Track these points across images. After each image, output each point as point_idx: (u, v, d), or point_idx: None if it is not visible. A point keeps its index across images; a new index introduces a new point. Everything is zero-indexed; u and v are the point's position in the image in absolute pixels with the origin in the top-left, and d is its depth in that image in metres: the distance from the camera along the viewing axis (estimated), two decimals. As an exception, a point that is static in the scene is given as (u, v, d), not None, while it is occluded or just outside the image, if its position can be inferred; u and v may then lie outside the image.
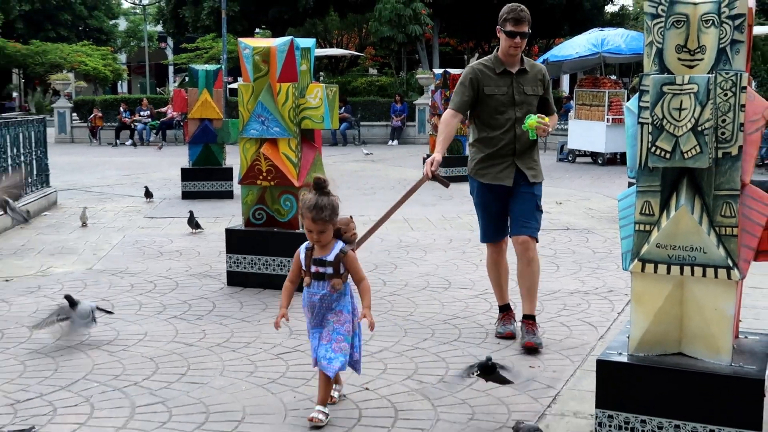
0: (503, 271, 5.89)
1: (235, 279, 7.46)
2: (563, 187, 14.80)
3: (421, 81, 27.70)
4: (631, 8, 41.55)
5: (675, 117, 3.45)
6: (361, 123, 28.46)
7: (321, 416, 4.11)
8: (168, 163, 19.61)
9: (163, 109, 28.49)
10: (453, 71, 16.29)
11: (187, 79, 16.72)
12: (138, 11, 52.48)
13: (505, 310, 5.89)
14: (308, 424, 4.11)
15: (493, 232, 5.79)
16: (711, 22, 3.42)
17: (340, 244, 4.20)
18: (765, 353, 3.76)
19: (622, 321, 5.90)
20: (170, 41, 52.06)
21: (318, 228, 4.06)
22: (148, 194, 13.44)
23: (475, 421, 4.28)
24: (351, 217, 4.42)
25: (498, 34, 5.54)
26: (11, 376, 5.06)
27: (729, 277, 3.49)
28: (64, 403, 4.59)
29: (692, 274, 3.54)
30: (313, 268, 4.20)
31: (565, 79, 39.02)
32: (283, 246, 7.02)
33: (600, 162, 19.31)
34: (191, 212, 10.34)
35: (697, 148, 3.42)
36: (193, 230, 10.18)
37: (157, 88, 44.23)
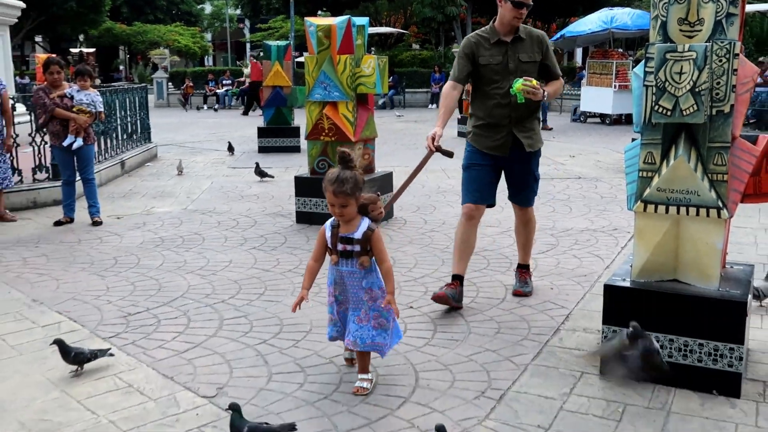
0: (469, 244, 4.89)
1: (303, 218, 7.53)
2: (576, 143, 14.56)
3: (456, 54, 27.31)
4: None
5: (676, 80, 3.37)
6: (406, 90, 28.28)
7: (366, 384, 3.56)
8: (246, 123, 19.69)
9: (241, 79, 28.54)
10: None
11: (262, 53, 16.67)
12: (221, -3, 52.42)
13: (456, 279, 4.81)
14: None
15: (476, 194, 4.83)
16: (709, -3, 3.32)
17: (366, 222, 3.50)
18: (747, 280, 3.72)
19: (624, 254, 5.84)
20: (247, 22, 51.95)
21: (339, 201, 3.38)
22: (231, 149, 13.55)
23: (501, 334, 4.30)
24: (378, 194, 3.69)
25: (499, 4, 4.66)
26: (123, 293, 5.18)
27: (719, 216, 3.43)
28: (166, 315, 4.70)
29: (687, 213, 3.49)
30: (340, 246, 3.50)
31: (579, 52, 38.07)
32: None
33: (607, 122, 19.00)
34: (257, 163, 10.41)
35: (695, 106, 3.34)
36: (260, 178, 10.24)
37: (237, 62, 44.18)
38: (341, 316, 3.64)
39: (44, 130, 7.95)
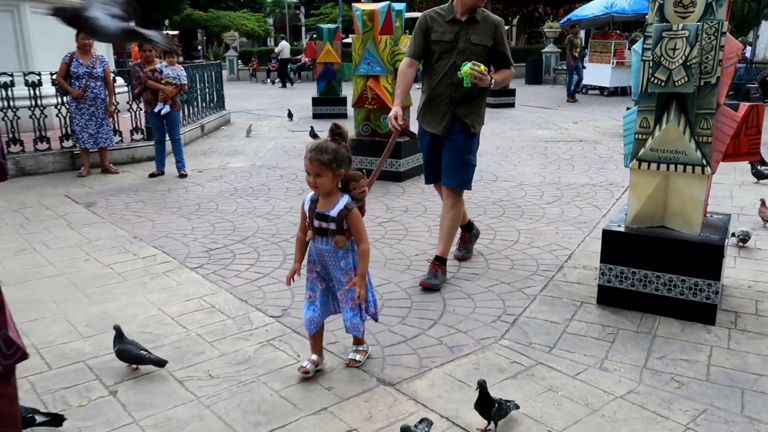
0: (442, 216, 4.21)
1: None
2: (578, 112, 14.21)
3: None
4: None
5: (670, 55, 3.25)
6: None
7: (358, 356, 3.04)
8: (301, 94, 19.59)
9: (298, 57, 28.28)
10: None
11: (315, 35, 16.46)
12: (280, -12, 51.72)
13: (439, 261, 4.06)
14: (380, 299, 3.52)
15: (429, 175, 4.29)
16: (702, -17, 3.17)
17: (345, 199, 2.77)
18: (725, 227, 3.63)
19: (619, 205, 5.73)
20: (303, 9, 51.29)
21: (314, 170, 2.69)
22: (290, 115, 13.50)
23: (514, 270, 4.28)
24: (364, 172, 2.96)
25: None
26: (206, 233, 5.25)
27: (703, 172, 3.34)
28: (240, 251, 4.76)
29: (675, 170, 3.40)
30: (316, 223, 2.80)
31: (582, 33, 36.92)
32: (380, 149, 6.98)
33: (605, 94, 18.44)
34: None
35: (686, 78, 3.22)
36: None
37: (294, 42, 43.83)
38: (321, 295, 2.92)
39: (139, 98, 8.00)
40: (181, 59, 8.69)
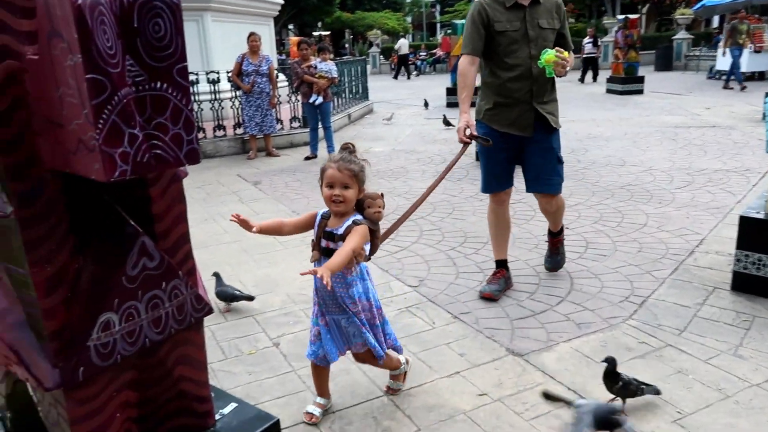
0: (503, 226, 3.53)
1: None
2: (711, 97, 12.90)
3: (606, 25, 24.89)
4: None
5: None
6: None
7: (395, 384, 2.51)
8: (436, 85, 19.46)
9: (434, 50, 28.12)
10: (631, 16, 14.47)
11: (450, 30, 16.26)
12: (418, -12, 51.59)
13: (500, 266, 3.51)
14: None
15: (496, 182, 3.40)
16: None
17: (355, 216, 2.18)
18: None
19: (756, 191, 5.13)
20: (438, 6, 50.86)
21: (343, 180, 2.13)
22: (426, 104, 13.47)
23: (642, 252, 3.97)
24: (382, 194, 2.26)
25: None
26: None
27: None
28: (382, 226, 4.82)
29: (827, 156, 2.96)
30: (323, 242, 2.21)
31: (715, 18, 33.37)
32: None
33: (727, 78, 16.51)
34: (444, 115, 10.21)
35: None
36: (446, 127, 10.08)
37: (429, 38, 43.60)
38: (324, 332, 2.29)
39: (297, 91, 8.34)
40: (332, 56, 8.93)
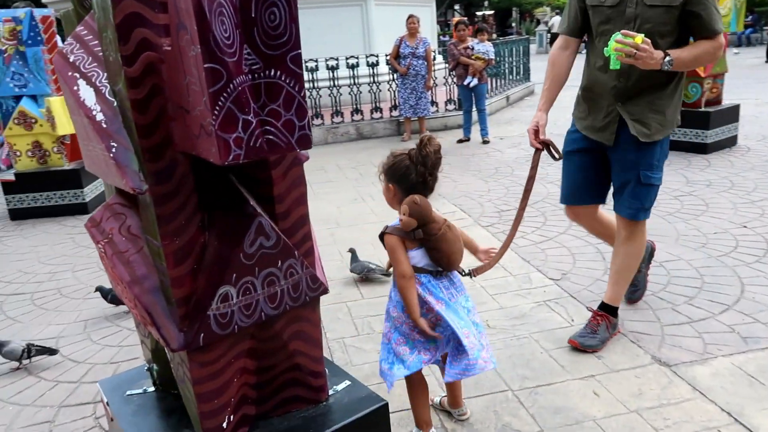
0: (605, 235, 2.90)
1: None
2: None
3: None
4: None
5: None
6: (763, 28, 23.11)
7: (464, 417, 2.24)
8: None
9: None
10: None
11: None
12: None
13: (604, 310, 2.75)
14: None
15: (569, 192, 2.75)
16: None
17: (394, 222, 1.97)
18: None
19: None
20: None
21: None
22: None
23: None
24: (415, 201, 1.89)
25: None
26: (499, 195, 5.23)
27: None
28: (529, 214, 4.61)
29: None
30: None
31: None
32: (689, 119, 6.08)
33: None
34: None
35: None
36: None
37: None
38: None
39: (452, 72, 8.29)
40: (493, 36, 8.72)
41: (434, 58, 8.67)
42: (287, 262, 1.42)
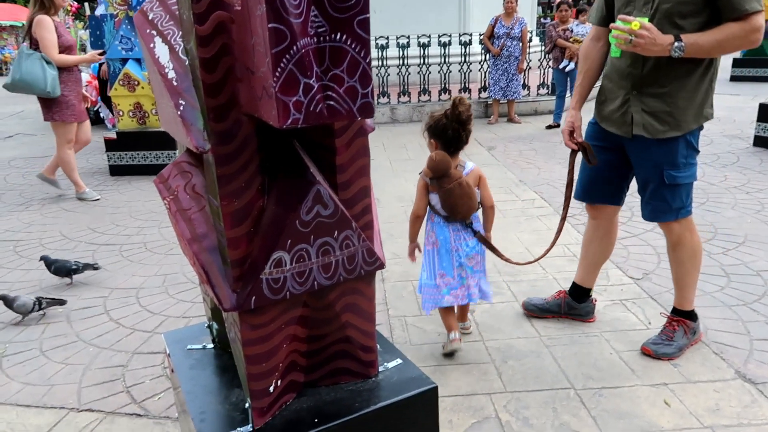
0: (594, 249, 2.69)
1: (761, 141, 6.18)
2: None
3: None
4: None
5: None
6: None
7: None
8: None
9: None
10: None
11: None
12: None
13: (574, 294, 2.78)
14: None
15: (583, 189, 2.57)
16: None
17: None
18: None
19: None
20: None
21: None
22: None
23: None
24: (435, 154, 2.28)
25: None
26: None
27: None
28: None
29: None
30: None
31: None
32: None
33: None
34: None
35: None
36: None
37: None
38: None
39: (548, 55, 7.96)
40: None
41: (530, 40, 8.36)
42: (344, 233, 1.40)
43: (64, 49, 4.77)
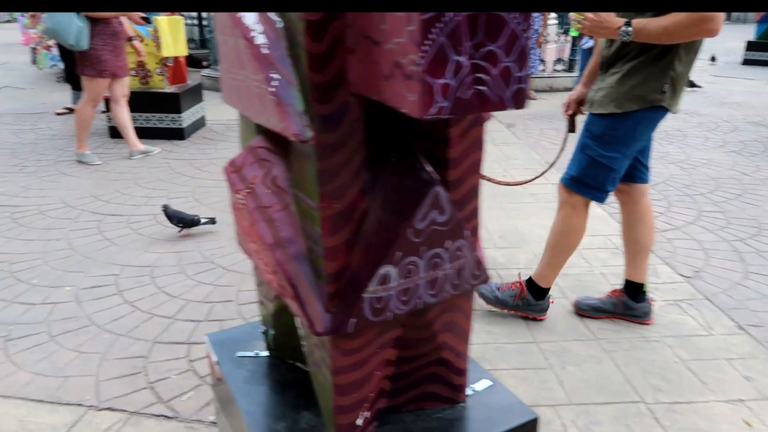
0: (630, 237, 2.58)
1: (787, 130, 6.00)
2: None
3: None
4: None
5: None
6: None
7: None
8: (732, 36, 16.50)
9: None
10: None
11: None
12: None
13: (630, 292, 2.61)
14: None
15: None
16: None
17: None
18: None
19: None
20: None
21: None
22: (713, 59, 11.54)
23: None
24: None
25: None
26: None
27: None
28: (651, 197, 4.21)
29: None
30: None
31: None
32: None
33: None
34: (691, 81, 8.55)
35: None
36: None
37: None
38: None
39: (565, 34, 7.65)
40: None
41: (550, 13, 8.02)
42: (456, 242, 1.16)
43: None
